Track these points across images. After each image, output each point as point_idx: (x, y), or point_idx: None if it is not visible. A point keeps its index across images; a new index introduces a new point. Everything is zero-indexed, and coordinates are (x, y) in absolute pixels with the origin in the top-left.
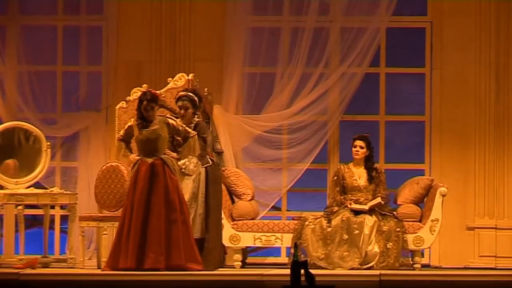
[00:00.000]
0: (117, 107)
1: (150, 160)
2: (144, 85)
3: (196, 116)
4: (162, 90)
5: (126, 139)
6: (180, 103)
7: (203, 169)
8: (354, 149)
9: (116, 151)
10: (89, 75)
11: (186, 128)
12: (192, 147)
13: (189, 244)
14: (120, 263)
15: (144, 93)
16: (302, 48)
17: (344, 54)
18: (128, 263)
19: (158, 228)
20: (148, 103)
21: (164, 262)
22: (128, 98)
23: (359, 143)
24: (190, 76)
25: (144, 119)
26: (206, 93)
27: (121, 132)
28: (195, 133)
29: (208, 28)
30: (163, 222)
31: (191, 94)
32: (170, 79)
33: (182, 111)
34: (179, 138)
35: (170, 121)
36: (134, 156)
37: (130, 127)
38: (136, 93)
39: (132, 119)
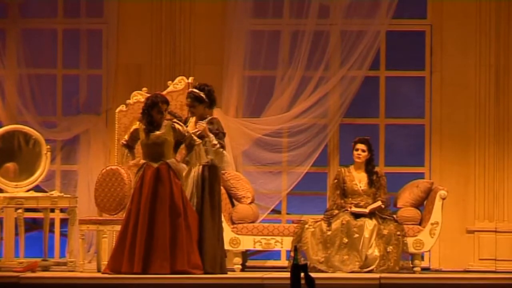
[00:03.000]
0: (117, 110)
1: (155, 165)
2: (144, 89)
3: (211, 111)
4: (162, 93)
5: (130, 144)
6: (186, 101)
7: (200, 167)
8: (355, 153)
9: (119, 157)
10: (89, 78)
11: (192, 135)
12: (198, 155)
13: (192, 249)
14: (123, 267)
15: (155, 96)
16: (302, 51)
17: (344, 57)
18: (134, 268)
19: (163, 234)
20: (163, 104)
21: (169, 268)
22: (128, 101)
23: (361, 146)
24: (190, 79)
25: (151, 123)
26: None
27: (126, 137)
28: (200, 141)
29: (208, 31)
30: (168, 227)
31: (196, 90)
32: (170, 82)
33: (191, 109)
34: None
35: (176, 125)
36: (138, 160)
37: (136, 130)
38: (136, 97)
39: (138, 123)
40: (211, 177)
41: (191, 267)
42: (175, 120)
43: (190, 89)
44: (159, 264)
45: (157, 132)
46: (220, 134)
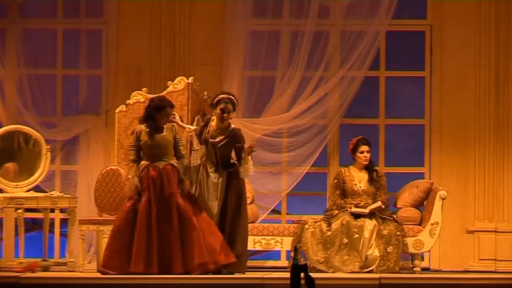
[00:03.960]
0: (117, 110)
1: (161, 165)
2: (144, 89)
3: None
4: (162, 94)
5: (138, 155)
6: (223, 105)
7: (225, 174)
8: (362, 155)
9: (127, 171)
10: (89, 79)
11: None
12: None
13: (213, 241)
14: (133, 267)
15: (162, 99)
16: (302, 52)
17: (344, 58)
18: (151, 268)
19: (174, 235)
20: (170, 108)
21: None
22: (128, 101)
23: (365, 148)
24: (190, 79)
25: (155, 125)
26: (205, 97)
27: (132, 153)
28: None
29: (208, 31)
30: (180, 227)
31: (232, 97)
32: (170, 82)
33: (225, 115)
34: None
35: (176, 127)
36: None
37: (139, 132)
38: (136, 97)
39: (140, 126)
40: (237, 182)
41: (212, 258)
42: (174, 120)
43: (227, 95)
44: (179, 264)
45: (162, 134)
46: (241, 147)
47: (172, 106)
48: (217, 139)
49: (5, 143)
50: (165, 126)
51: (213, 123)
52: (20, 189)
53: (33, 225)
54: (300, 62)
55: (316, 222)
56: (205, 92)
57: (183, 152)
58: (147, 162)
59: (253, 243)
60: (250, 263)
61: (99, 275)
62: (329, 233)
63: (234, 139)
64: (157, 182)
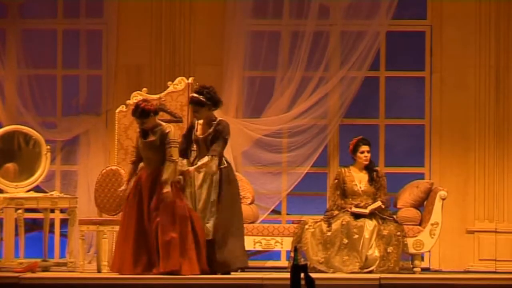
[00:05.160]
0: (117, 111)
1: (149, 170)
2: (144, 89)
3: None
4: (162, 94)
5: (137, 156)
6: (190, 107)
7: (218, 170)
8: (362, 155)
9: (126, 174)
10: (89, 79)
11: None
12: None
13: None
14: (128, 269)
15: (135, 108)
16: (302, 52)
17: (344, 58)
18: (154, 269)
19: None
20: (137, 119)
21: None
22: (128, 102)
23: (366, 148)
24: (190, 79)
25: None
26: None
27: (133, 154)
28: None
29: (208, 32)
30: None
31: (195, 95)
32: (170, 82)
33: (196, 114)
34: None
35: (166, 131)
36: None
37: (138, 134)
38: (136, 97)
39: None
40: (229, 179)
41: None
42: (167, 124)
43: (190, 94)
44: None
45: (149, 139)
46: (220, 140)
47: (140, 116)
48: (205, 134)
49: (5, 143)
50: (156, 129)
51: (200, 122)
52: (20, 190)
53: (33, 226)
54: (300, 62)
55: (316, 222)
56: None
57: (168, 156)
58: (144, 164)
59: (253, 243)
60: (250, 263)
61: (99, 275)
62: (329, 233)
63: (220, 132)
64: (146, 187)
